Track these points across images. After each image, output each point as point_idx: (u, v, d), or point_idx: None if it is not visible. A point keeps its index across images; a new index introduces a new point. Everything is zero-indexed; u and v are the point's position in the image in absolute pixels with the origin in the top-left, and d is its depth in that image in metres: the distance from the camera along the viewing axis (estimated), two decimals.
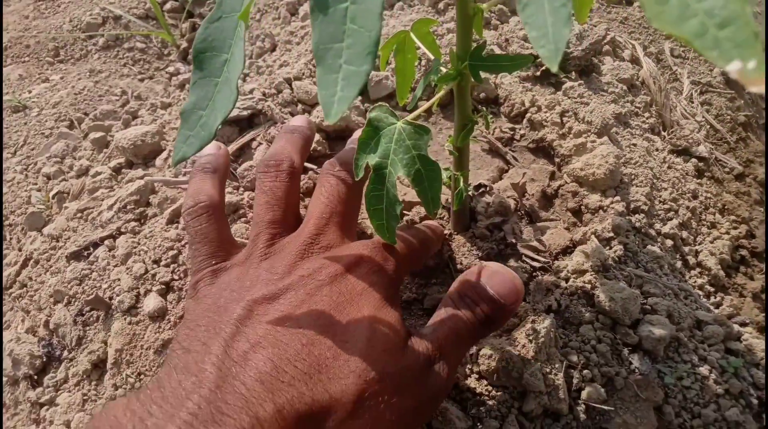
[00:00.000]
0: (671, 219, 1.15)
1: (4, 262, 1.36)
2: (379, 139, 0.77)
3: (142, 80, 1.77)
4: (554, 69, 0.44)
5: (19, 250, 1.38)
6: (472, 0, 0.76)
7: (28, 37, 1.88)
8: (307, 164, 1.22)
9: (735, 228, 1.22)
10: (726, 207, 1.27)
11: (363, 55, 0.48)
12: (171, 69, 1.80)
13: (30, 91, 1.73)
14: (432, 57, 0.96)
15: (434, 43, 0.97)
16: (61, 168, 1.48)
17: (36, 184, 1.48)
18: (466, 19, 0.74)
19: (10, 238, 1.42)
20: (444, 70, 0.85)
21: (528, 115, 1.26)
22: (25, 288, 1.26)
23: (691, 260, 1.13)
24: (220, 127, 0.57)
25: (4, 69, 1.81)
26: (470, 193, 1.13)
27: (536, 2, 0.47)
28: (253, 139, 1.21)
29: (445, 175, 1.00)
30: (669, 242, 1.12)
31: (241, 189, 1.16)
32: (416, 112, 0.82)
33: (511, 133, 1.26)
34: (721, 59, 0.38)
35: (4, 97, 1.70)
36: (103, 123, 1.54)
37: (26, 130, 1.61)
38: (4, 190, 1.47)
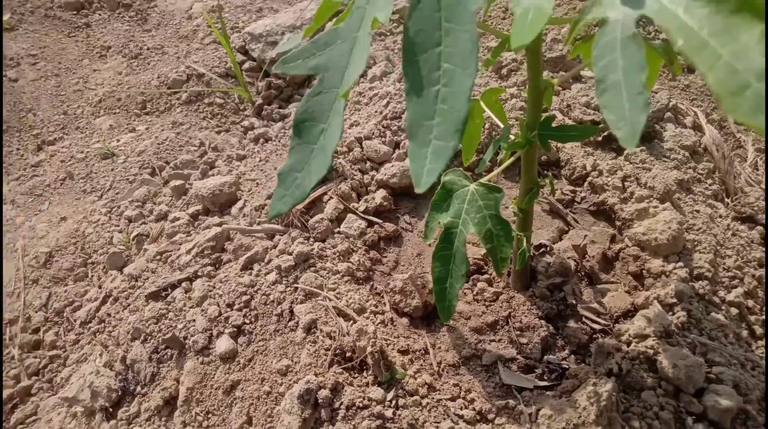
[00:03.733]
0: (736, 287, 1.14)
1: (85, 298, 1.46)
2: (452, 200, 0.82)
3: (218, 133, 1.90)
4: (632, 149, 0.48)
5: (99, 287, 1.48)
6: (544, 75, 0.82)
7: (120, 91, 2.06)
8: (372, 218, 1.28)
9: None
10: None
11: (452, 132, 0.53)
12: (246, 123, 1.93)
13: (118, 140, 1.89)
14: (499, 123, 1.02)
15: (501, 111, 1.03)
16: (141, 212, 1.59)
17: (118, 226, 1.60)
18: (537, 93, 0.80)
19: (92, 276, 1.53)
20: (512, 137, 0.90)
21: (589, 178, 1.29)
22: (103, 323, 1.35)
23: (758, 330, 1.11)
24: (313, 189, 0.63)
25: (97, 119, 1.98)
26: (531, 252, 1.15)
27: (614, 89, 0.52)
28: (325, 193, 1.29)
29: None
30: (734, 310, 1.11)
31: (312, 239, 1.22)
32: (491, 175, 0.87)
33: (572, 195, 1.29)
34: None
35: (96, 145, 1.86)
36: (182, 172, 1.66)
37: (112, 176, 1.74)
38: (90, 230, 1.59)
